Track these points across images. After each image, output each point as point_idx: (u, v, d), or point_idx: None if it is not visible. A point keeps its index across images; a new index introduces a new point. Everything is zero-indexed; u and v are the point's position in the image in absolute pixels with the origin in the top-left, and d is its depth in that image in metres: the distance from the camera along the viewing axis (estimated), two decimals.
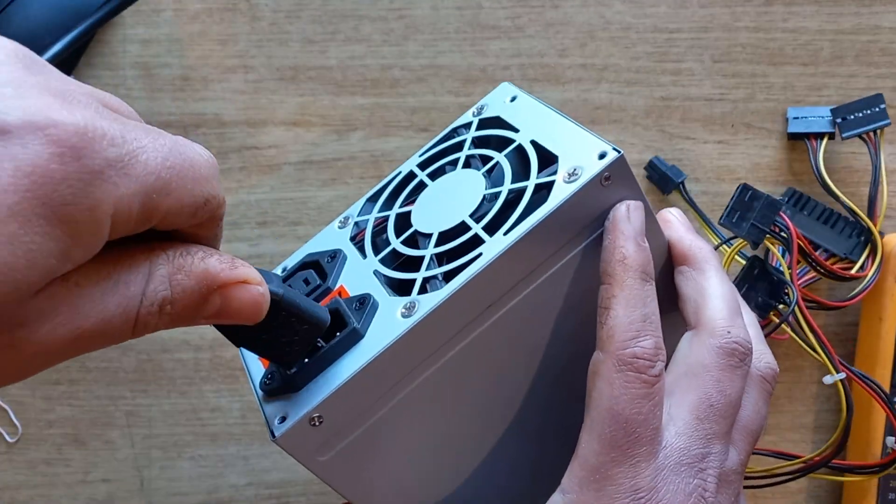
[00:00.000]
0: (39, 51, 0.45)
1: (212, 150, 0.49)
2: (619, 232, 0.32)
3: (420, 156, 0.38)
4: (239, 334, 0.28)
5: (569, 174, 0.31)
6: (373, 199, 0.38)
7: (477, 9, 0.47)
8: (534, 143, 0.34)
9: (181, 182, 0.23)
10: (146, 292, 0.23)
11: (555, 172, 0.32)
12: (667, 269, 0.35)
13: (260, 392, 0.32)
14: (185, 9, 0.47)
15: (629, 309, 0.31)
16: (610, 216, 0.32)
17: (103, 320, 0.22)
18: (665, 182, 0.46)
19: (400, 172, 0.38)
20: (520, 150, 0.34)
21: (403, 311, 0.31)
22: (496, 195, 0.33)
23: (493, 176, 0.35)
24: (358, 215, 0.38)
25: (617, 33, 0.47)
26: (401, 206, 0.36)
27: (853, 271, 0.42)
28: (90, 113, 0.21)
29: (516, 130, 0.35)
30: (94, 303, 0.22)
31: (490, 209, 0.33)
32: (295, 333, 0.29)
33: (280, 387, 0.31)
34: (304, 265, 0.37)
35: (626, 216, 0.32)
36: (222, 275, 0.25)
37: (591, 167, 0.31)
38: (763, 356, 0.35)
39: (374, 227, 0.37)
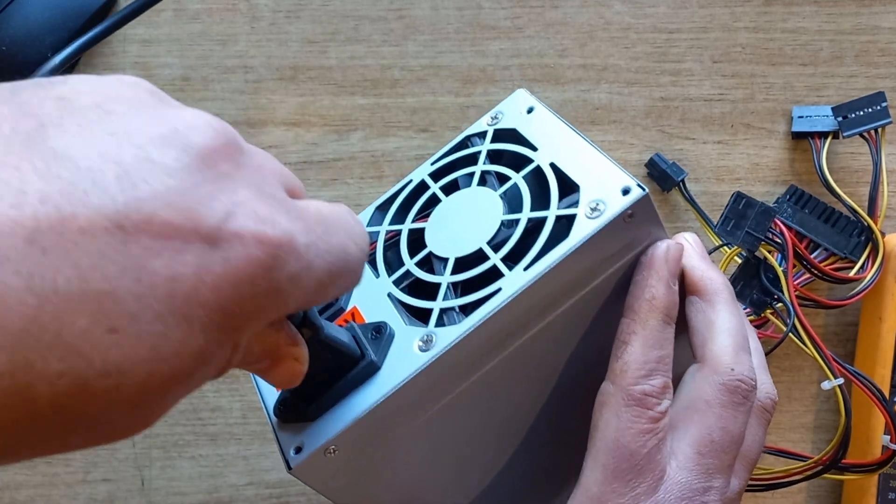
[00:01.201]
0: (39, 51, 0.45)
1: None
2: (655, 272, 0.32)
3: (432, 164, 0.37)
4: None
5: (591, 209, 0.31)
6: (382, 209, 0.38)
7: (477, 9, 0.47)
8: (553, 166, 0.33)
9: (334, 285, 0.23)
10: (232, 357, 0.23)
11: (576, 204, 0.31)
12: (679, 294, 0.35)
13: (274, 419, 0.32)
14: (185, 9, 0.47)
15: (646, 348, 0.31)
16: (649, 253, 0.32)
17: (202, 381, 0.22)
18: (665, 179, 0.46)
19: (411, 181, 0.37)
20: (538, 171, 0.34)
21: (421, 343, 0.31)
22: (514, 222, 0.33)
23: (510, 197, 0.34)
24: (368, 225, 0.37)
25: (616, 34, 0.47)
26: (413, 221, 0.36)
27: (853, 272, 0.42)
28: (285, 220, 0.21)
29: (534, 148, 0.35)
30: (206, 373, 0.22)
31: (508, 237, 0.32)
32: (324, 364, 0.30)
33: (295, 415, 0.31)
34: None
35: (665, 258, 0.32)
36: (281, 351, 0.26)
37: (615, 203, 0.30)
38: (764, 386, 0.35)
39: (386, 240, 0.36)
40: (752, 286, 0.42)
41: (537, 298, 0.31)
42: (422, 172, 0.37)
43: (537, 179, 0.34)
